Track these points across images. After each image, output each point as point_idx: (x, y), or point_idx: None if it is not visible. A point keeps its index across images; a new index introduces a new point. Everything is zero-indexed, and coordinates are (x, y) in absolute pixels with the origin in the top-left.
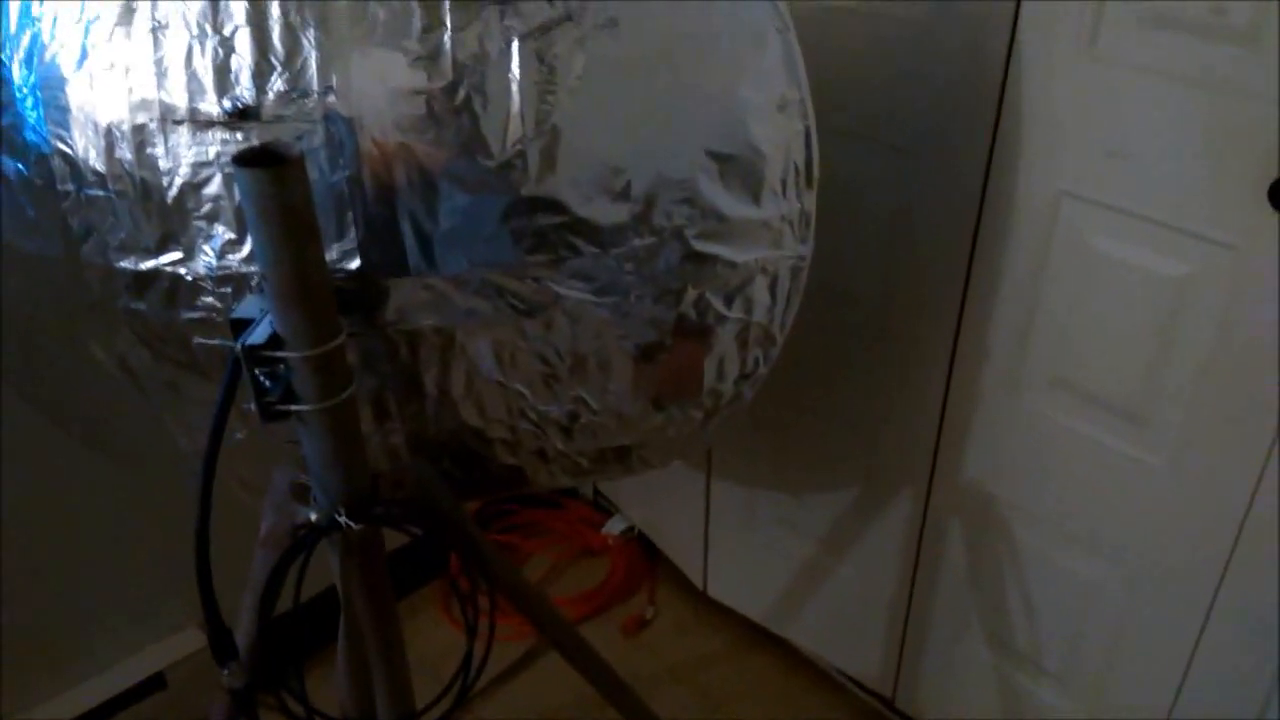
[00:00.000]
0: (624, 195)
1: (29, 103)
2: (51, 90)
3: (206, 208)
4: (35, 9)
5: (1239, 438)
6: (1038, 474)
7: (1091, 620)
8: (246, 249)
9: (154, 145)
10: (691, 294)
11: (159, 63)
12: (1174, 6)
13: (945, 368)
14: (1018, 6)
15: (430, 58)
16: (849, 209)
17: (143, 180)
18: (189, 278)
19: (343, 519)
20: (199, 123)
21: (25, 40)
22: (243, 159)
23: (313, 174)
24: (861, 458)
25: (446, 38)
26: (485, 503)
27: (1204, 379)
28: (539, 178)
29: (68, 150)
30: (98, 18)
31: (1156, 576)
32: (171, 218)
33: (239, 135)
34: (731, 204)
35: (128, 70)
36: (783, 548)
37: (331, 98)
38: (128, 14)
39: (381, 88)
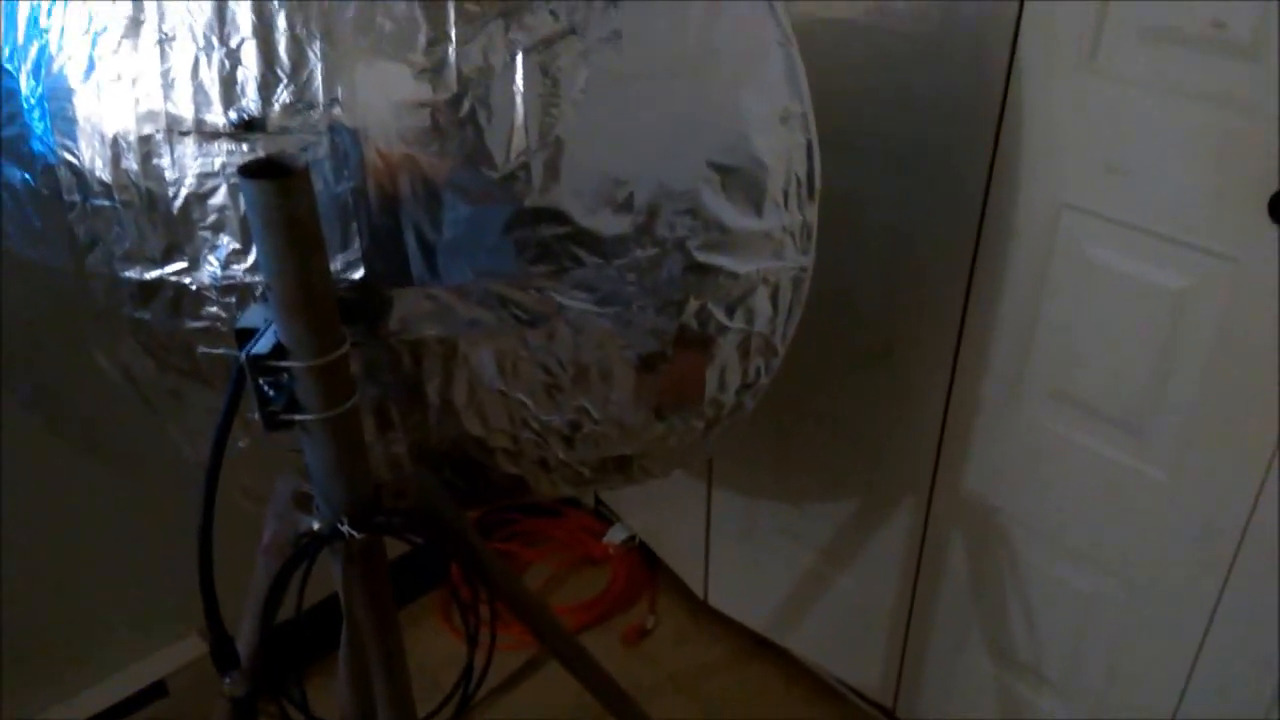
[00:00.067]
0: (627, 206)
1: (36, 113)
2: (59, 101)
3: (212, 218)
4: (43, 20)
5: (1239, 450)
6: (1038, 485)
7: (1092, 631)
8: (251, 259)
9: (160, 156)
10: (693, 304)
11: (166, 74)
12: (1174, 20)
13: (946, 378)
14: (1018, 20)
15: (435, 70)
16: (851, 220)
17: (148, 190)
18: (194, 287)
19: (345, 528)
20: (205, 134)
21: (33, 51)
22: (248, 170)
23: (318, 185)
24: (863, 468)
25: (451, 50)
26: (486, 511)
27: (1204, 391)
28: (542, 189)
29: (74, 160)
30: (105, 29)
31: (1157, 587)
32: (177, 228)
33: (245, 146)
34: (734, 215)
35: (134, 81)
36: (784, 557)
37: (337, 109)
38: (135, 26)
39: (386, 100)
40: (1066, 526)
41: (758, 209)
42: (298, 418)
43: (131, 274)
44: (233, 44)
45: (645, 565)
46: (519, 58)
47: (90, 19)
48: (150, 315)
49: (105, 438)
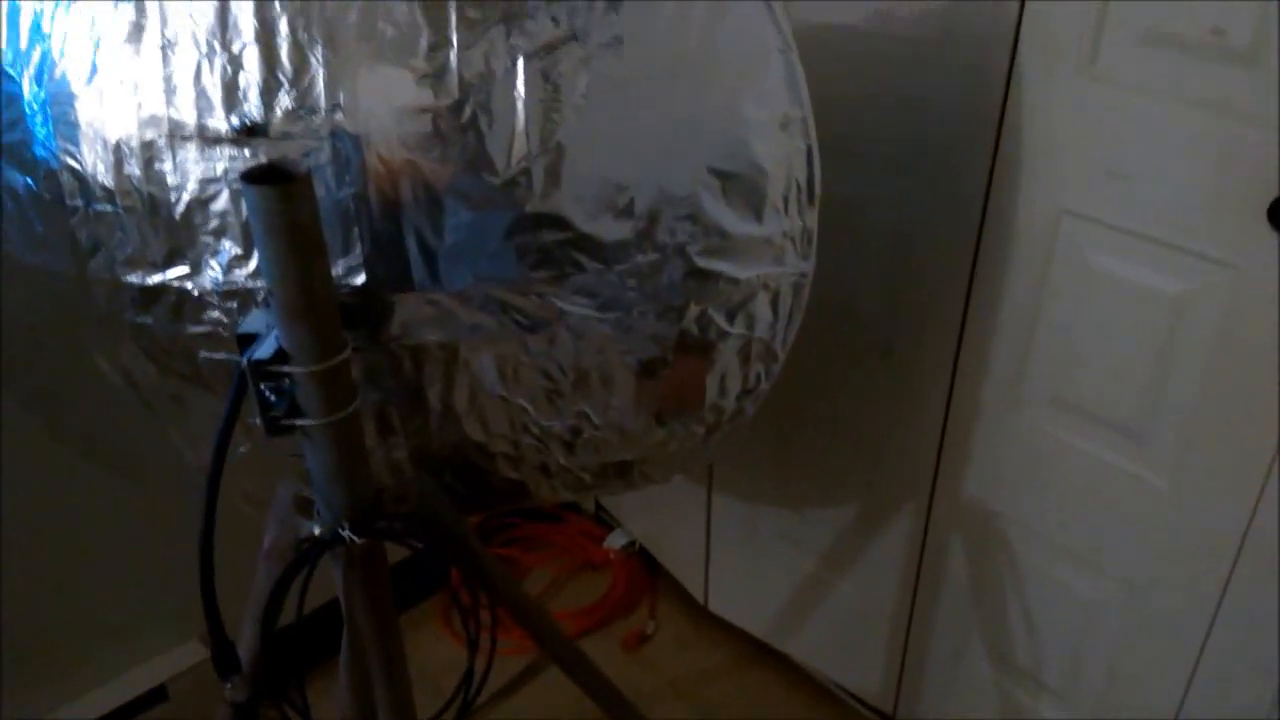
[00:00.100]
0: (627, 212)
1: (38, 118)
2: (61, 106)
3: (214, 223)
4: (46, 26)
5: (1239, 455)
6: (1038, 490)
7: (1092, 636)
8: (253, 264)
9: (162, 161)
10: (694, 310)
11: (168, 79)
12: (1174, 26)
13: (946, 384)
14: (1018, 25)
15: (437, 76)
16: (851, 226)
17: (151, 196)
18: (195, 292)
19: (346, 533)
20: (207, 139)
21: (36, 57)
22: (251, 176)
23: (319, 190)
24: (863, 473)
25: (453, 56)
26: (487, 516)
27: (1204, 397)
28: (543, 194)
29: (76, 166)
30: (108, 35)
31: (1157, 592)
32: (179, 233)
33: (247, 152)
34: (734, 221)
35: (137, 87)
36: (784, 563)
37: (339, 115)
38: (137, 31)
39: (388, 105)
40: (1067, 531)
41: (758, 215)
42: (299, 423)
43: (133, 279)
44: (235, 49)
45: (645, 570)
46: (520, 63)
47: (93, 24)
48: (152, 320)
49: (106, 442)
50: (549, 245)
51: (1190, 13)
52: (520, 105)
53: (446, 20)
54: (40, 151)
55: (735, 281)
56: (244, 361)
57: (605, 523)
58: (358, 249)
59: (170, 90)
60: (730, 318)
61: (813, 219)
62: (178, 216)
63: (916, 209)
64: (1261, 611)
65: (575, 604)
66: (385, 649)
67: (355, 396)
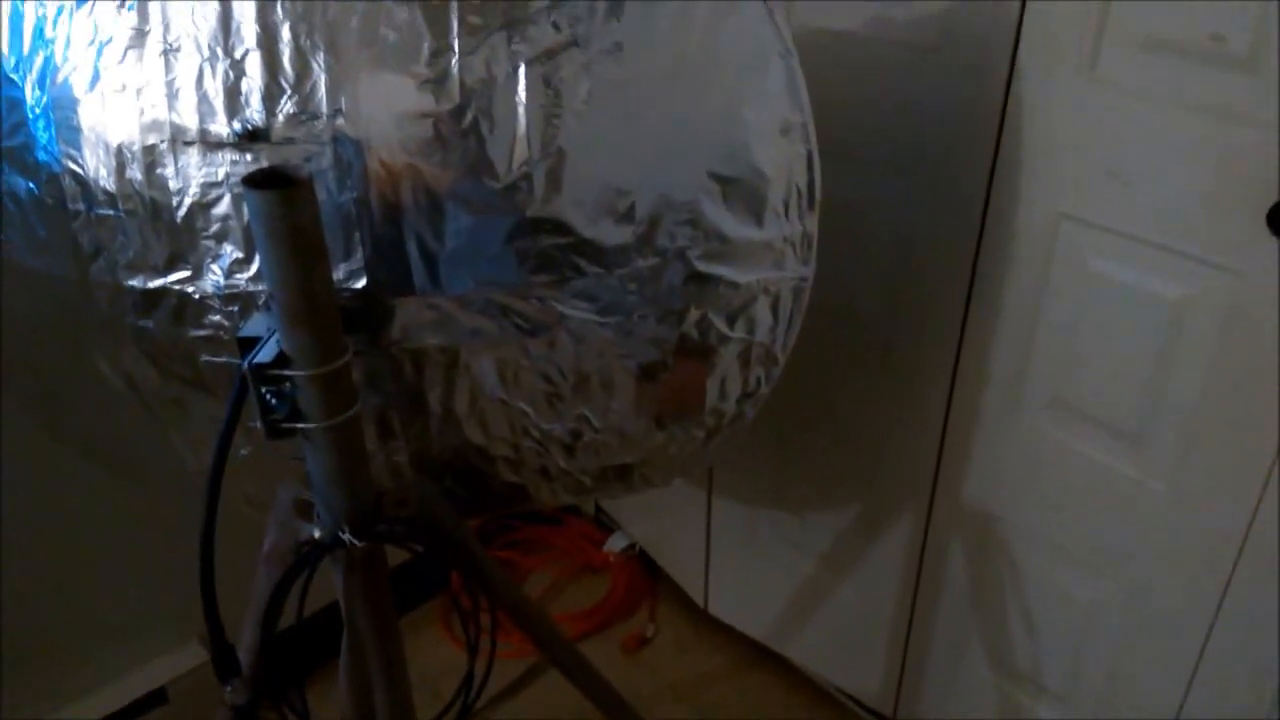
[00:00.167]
0: (628, 217)
1: (41, 123)
2: (64, 111)
3: (215, 227)
4: (49, 31)
5: (1239, 459)
6: (1038, 493)
7: (1092, 639)
8: (254, 268)
9: (164, 166)
10: (694, 314)
11: (170, 84)
12: (1174, 32)
13: (946, 387)
14: (1018, 30)
15: (438, 81)
16: (851, 231)
17: (152, 200)
18: (197, 296)
19: (346, 536)
20: (209, 144)
21: (38, 62)
22: (252, 180)
23: (321, 195)
24: (863, 476)
25: (454, 62)
26: (487, 519)
27: (1203, 401)
28: (544, 199)
29: (79, 170)
30: (110, 40)
31: (1157, 596)
32: (180, 237)
33: (249, 157)
34: (734, 225)
35: (139, 92)
36: (784, 566)
37: (340, 120)
38: (140, 37)
39: (389, 110)
40: (1067, 532)
41: (758, 219)
42: (300, 426)
43: (135, 282)
44: (237, 55)
45: (645, 573)
46: (521, 69)
47: (95, 29)
48: (153, 323)
49: (107, 445)
50: (549, 249)
51: (1190, 19)
52: (521, 110)
53: (448, 26)
54: (42, 156)
55: (735, 286)
56: (245, 365)
57: (605, 526)
58: (359, 253)
59: (172, 95)
60: (730, 322)
61: (813, 223)
62: (179, 221)
63: (917, 212)
64: (1261, 612)
65: (575, 607)
66: (385, 652)
67: (356, 400)
